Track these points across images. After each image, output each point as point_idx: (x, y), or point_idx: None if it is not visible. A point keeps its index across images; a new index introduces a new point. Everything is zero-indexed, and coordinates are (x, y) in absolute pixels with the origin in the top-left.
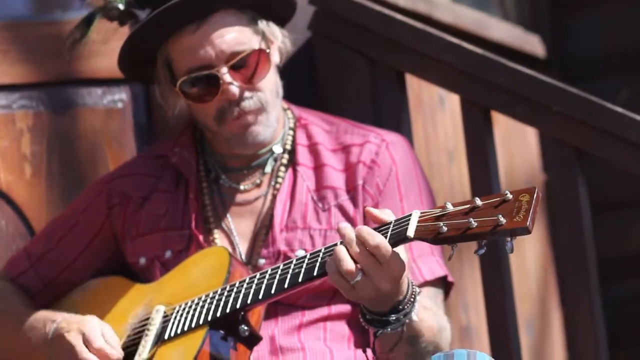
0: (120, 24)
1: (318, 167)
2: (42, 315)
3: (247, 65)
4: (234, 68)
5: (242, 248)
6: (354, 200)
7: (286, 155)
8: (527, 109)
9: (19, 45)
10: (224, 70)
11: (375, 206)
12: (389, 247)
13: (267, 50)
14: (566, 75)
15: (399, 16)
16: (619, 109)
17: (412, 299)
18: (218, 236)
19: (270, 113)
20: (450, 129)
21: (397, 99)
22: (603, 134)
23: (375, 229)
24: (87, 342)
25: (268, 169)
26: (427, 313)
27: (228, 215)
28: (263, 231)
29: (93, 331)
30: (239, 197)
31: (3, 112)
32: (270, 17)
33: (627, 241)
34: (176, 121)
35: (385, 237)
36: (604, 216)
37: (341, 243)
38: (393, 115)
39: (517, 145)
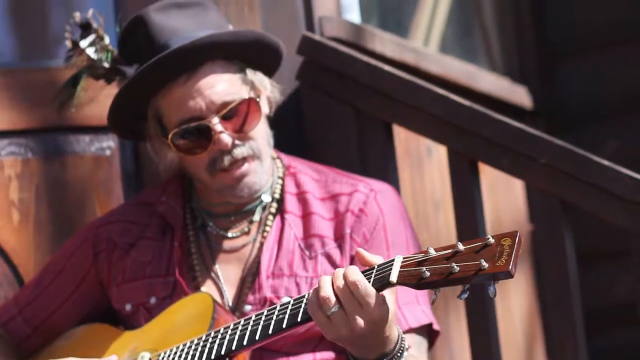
0: (107, 82)
1: (306, 216)
2: None
3: (237, 115)
4: (225, 118)
5: (229, 294)
6: (341, 248)
7: (275, 204)
8: (514, 160)
9: (8, 92)
10: (215, 120)
11: None
12: (368, 288)
13: (257, 99)
14: (553, 126)
15: (386, 67)
16: (605, 162)
17: (399, 353)
18: (205, 283)
19: (264, 161)
20: (437, 180)
21: (384, 149)
22: (589, 187)
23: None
24: None
25: (256, 217)
26: None
27: (215, 262)
28: (250, 278)
29: None
30: (226, 244)
31: None
32: (257, 67)
33: (612, 292)
34: (166, 172)
35: (368, 282)
36: (590, 267)
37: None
38: (380, 165)
39: (504, 197)
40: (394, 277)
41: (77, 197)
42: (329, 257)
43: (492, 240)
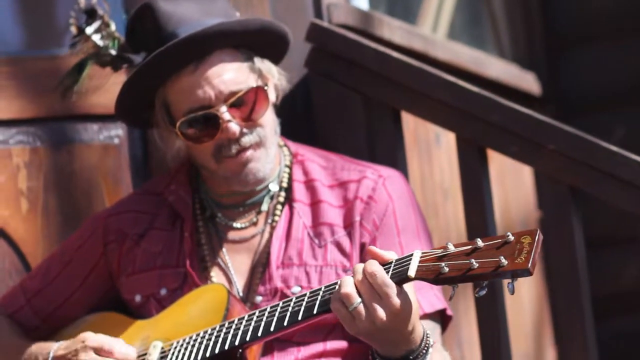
0: (113, 69)
1: (314, 204)
2: (36, 347)
3: (245, 103)
4: (233, 106)
5: (239, 285)
6: (350, 236)
7: (283, 193)
8: (522, 147)
9: (16, 80)
10: (223, 109)
11: (373, 241)
12: (386, 278)
13: (265, 88)
14: (561, 112)
15: (395, 54)
16: (614, 148)
17: (424, 350)
18: (215, 273)
19: (269, 149)
20: (446, 167)
21: (392, 136)
22: (597, 172)
23: None
24: (103, 352)
25: (264, 207)
26: (439, 354)
27: (225, 253)
28: (260, 268)
29: (102, 339)
30: (236, 235)
31: (0, 148)
32: (265, 54)
33: (621, 278)
34: (174, 160)
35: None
36: (598, 253)
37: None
38: (388, 152)
39: (512, 183)
40: (412, 272)
41: (85, 185)
42: (338, 245)
43: (511, 238)
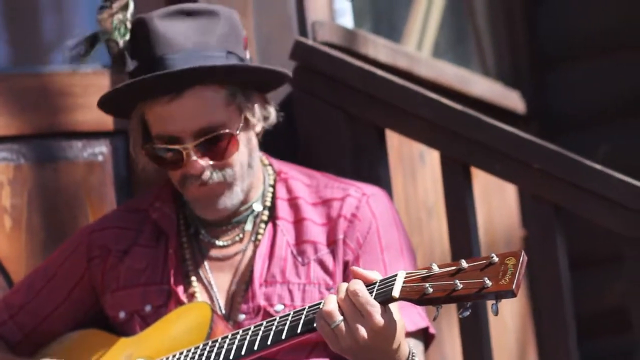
0: (113, 62)
1: (298, 221)
2: None
3: (215, 144)
4: (201, 145)
5: (222, 303)
6: (334, 254)
7: (266, 212)
8: (507, 165)
9: (0, 97)
10: (189, 146)
11: (356, 259)
12: (368, 297)
13: (237, 133)
14: (545, 131)
15: (379, 72)
16: (598, 166)
17: None
18: (198, 290)
19: (236, 187)
20: (430, 185)
21: (376, 154)
22: (582, 191)
23: None
24: None
25: (248, 226)
26: None
27: (208, 270)
28: (243, 286)
29: None
30: (219, 253)
31: None
32: (254, 85)
33: (605, 298)
34: (144, 171)
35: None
36: (583, 273)
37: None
38: (373, 171)
39: (497, 201)
40: (396, 292)
41: (69, 202)
42: (321, 263)
43: (496, 259)
